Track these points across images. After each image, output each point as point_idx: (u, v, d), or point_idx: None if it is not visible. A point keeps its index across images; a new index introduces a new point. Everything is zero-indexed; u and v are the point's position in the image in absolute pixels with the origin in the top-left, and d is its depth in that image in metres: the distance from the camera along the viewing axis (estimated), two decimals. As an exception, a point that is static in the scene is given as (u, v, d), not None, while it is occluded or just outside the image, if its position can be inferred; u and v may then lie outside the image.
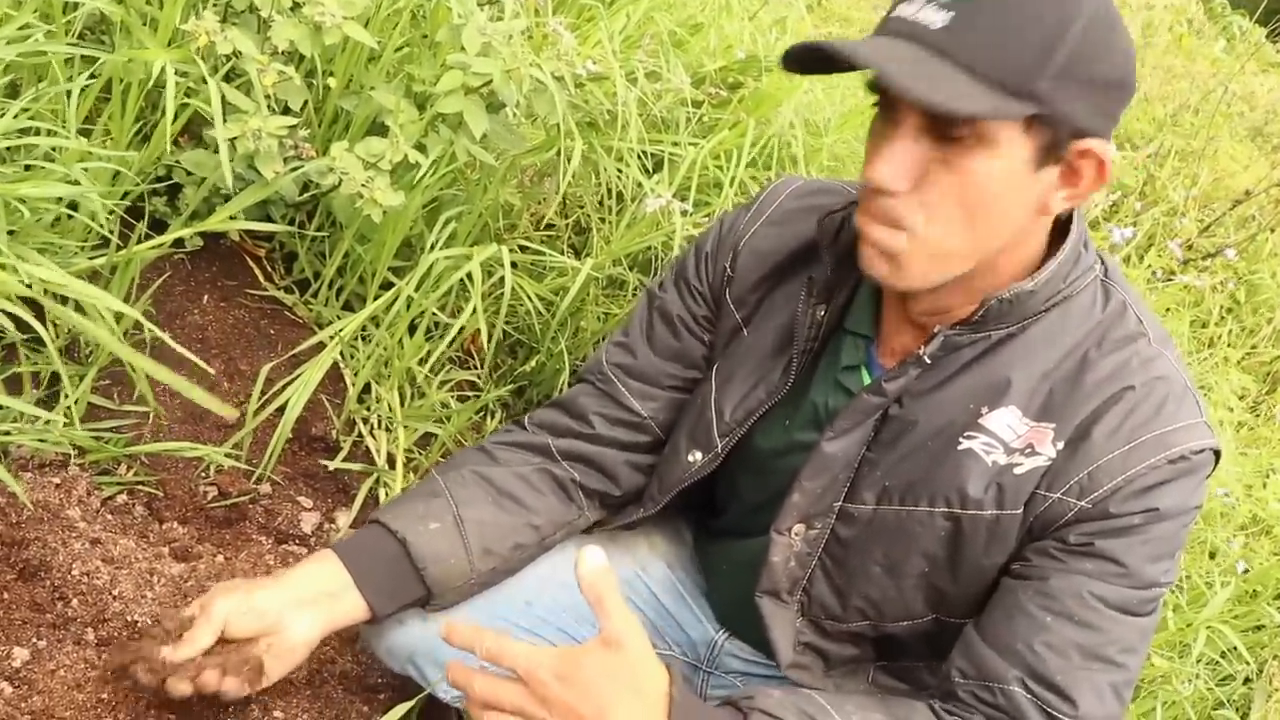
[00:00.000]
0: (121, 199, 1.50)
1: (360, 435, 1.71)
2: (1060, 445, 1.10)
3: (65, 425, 1.42)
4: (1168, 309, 2.98)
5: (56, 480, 1.40)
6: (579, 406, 1.39)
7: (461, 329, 1.71)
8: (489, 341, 1.81)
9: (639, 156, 2.05)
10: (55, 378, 1.45)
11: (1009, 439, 1.11)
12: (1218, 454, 1.12)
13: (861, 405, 1.17)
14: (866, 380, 1.22)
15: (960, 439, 1.13)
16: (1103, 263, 1.18)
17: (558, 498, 1.38)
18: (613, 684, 1.05)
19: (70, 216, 1.42)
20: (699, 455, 1.32)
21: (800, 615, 1.28)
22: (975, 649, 1.12)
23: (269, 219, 1.67)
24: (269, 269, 1.81)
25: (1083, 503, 1.08)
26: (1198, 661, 1.93)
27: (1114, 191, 3.40)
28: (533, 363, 1.93)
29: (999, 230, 1.07)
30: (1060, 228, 1.15)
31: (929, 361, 1.14)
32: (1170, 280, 3.05)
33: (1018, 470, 1.11)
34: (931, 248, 1.07)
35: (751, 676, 1.45)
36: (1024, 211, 1.07)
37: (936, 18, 1.00)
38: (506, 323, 1.86)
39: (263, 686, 1.21)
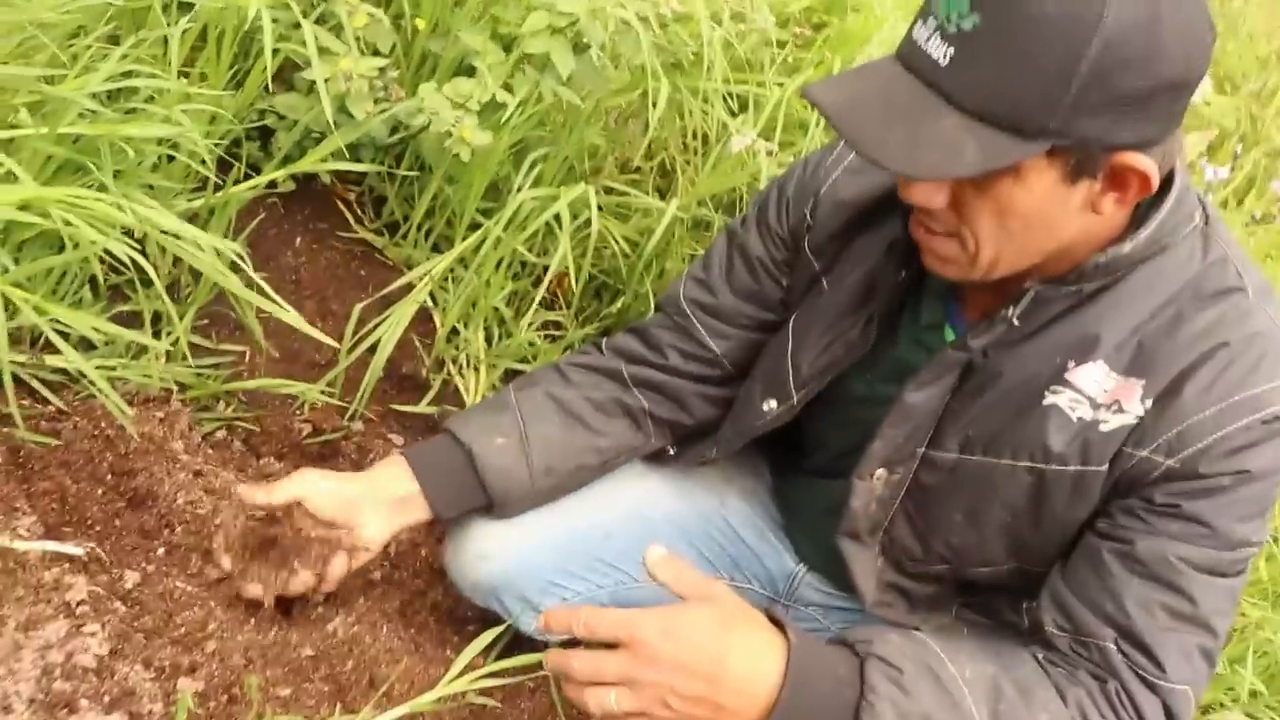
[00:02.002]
0: (219, 141, 1.53)
1: (449, 374, 1.74)
2: (1149, 403, 1.06)
3: (169, 360, 1.47)
4: (1267, 255, 2.87)
5: (160, 415, 1.44)
6: (654, 337, 1.41)
7: (549, 269, 1.73)
8: (576, 282, 1.82)
9: (724, 97, 2.03)
10: (156, 319, 1.50)
11: (1095, 394, 1.08)
12: None
13: (945, 359, 1.15)
14: (949, 336, 1.20)
15: (1045, 393, 1.10)
16: (1204, 209, 1.12)
17: (626, 424, 1.41)
18: (722, 630, 1.05)
19: (170, 159, 1.46)
20: (774, 404, 1.32)
21: (881, 555, 1.28)
22: (1068, 603, 1.10)
23: (359, 163, 1.69)
24: (359, 212, 1.84)
25: (1170, 461, 1.05)
26: (1292, 612, 1.88)
27: (1211, 128, 3.28)
28: (618, 304, 1.94)
29: (1051, 236, 1.03)
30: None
31: (1017, 323, 1.10)
32: (1270, 223, 2.94)
33: (1104, 427, 1.07)
34: (986, 255, 1.05)
35: (831, 609, 1.46)
36: (1072, 216, 1.02)
37: (940, 52, 0.94)
38: (592, 264, 1.87)
39: (330, 584, 1.27)
